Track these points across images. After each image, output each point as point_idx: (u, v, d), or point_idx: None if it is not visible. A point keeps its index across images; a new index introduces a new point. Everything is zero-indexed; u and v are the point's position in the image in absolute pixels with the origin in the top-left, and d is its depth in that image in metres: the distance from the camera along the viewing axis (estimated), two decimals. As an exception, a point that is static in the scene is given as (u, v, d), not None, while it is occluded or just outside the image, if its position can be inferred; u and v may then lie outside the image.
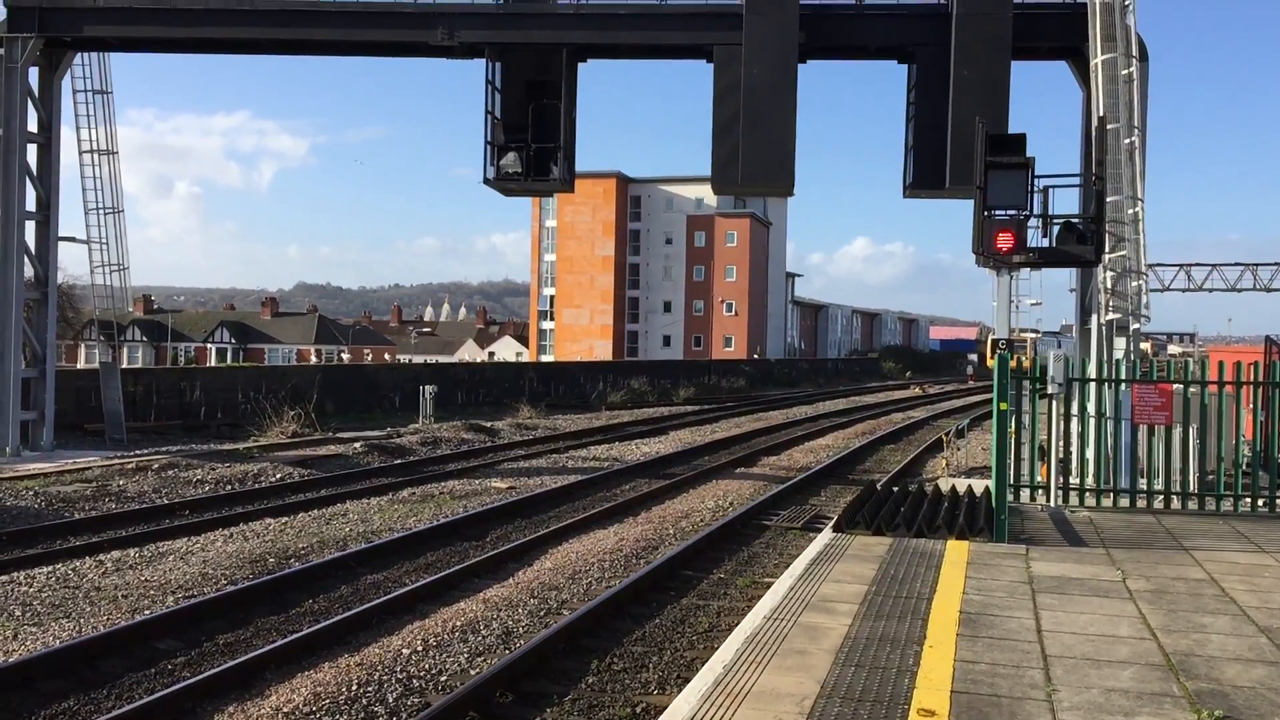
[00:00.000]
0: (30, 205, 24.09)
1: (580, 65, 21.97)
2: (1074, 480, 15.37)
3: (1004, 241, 15.57)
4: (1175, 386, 14.55)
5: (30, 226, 24.18)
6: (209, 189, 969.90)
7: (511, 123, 21.02)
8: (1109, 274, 17.72)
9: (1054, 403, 14.76)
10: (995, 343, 75.74)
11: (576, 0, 21.67)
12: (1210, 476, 14.77)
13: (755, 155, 20.57)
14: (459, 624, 10.70)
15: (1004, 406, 12.88)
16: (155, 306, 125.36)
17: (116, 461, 21.60)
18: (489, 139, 21.00)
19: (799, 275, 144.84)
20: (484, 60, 21.38)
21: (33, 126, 24.00)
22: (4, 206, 23.27)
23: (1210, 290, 59.54)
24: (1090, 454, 15.64)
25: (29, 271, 24.26)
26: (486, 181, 21.21)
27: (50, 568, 13.17)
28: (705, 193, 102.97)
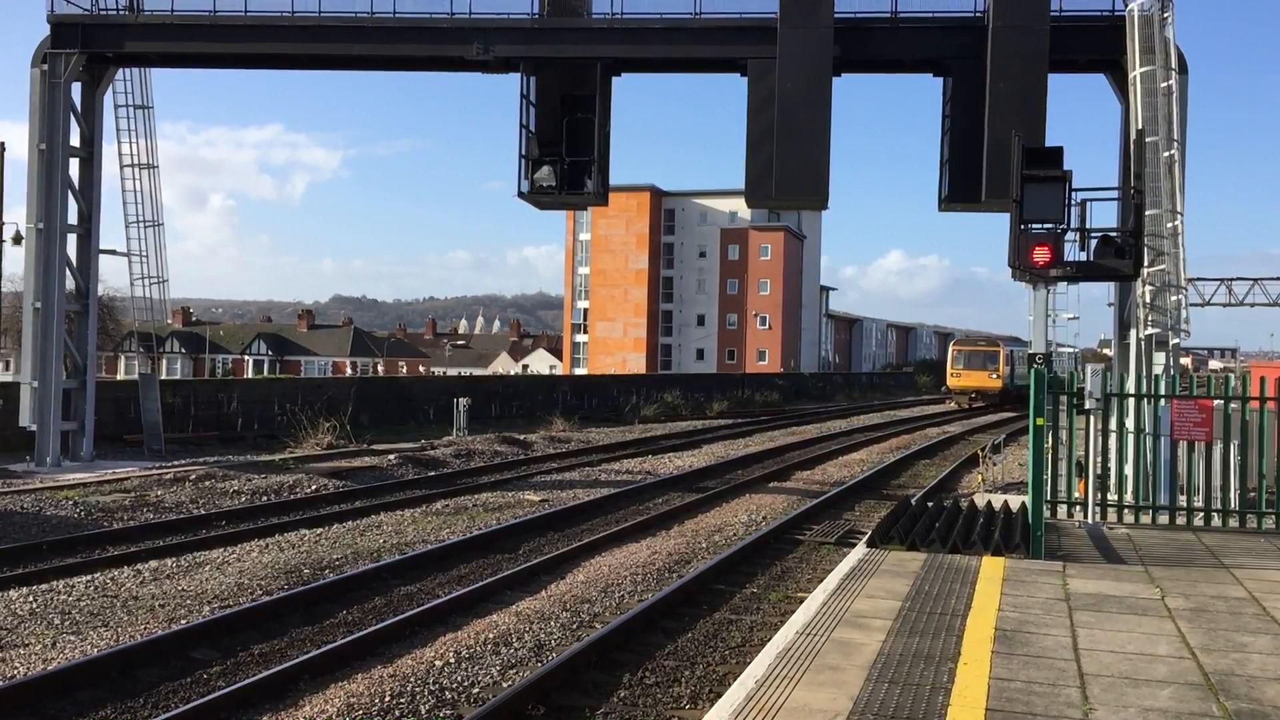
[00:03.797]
0: (72, 218, 24.45)
1: (614, 78, 22.05)
2: (1112, 497, 15.19)
3: (1041, 255, 15.46)
4: (1216, 402, 14.37)
5: (72, 239, 24.55)
6: (242, 202, 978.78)
7: (546, 136, 21.13)
8: (1148, 288, 17.54)
9: (1092, 418, 14.61)
10: (956, 357, 62.61)
11: (610, 14, 21.76)
12: (1251, 494, 14.55)
13: (789, 168, 20.54)
14: (491, 636, 10.72)
15: (1040, 422, 12.77)
16: (193, 319, 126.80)
17: (155, 472, 21.82)
18: (523, 152, 21.11)
19: (833, 289, 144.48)
20: (519, 74, 21.52)
21: (75, 141, 24.36)
22: (47, 220, 23.63)
23: (1252, 305, 58.75)
24: (1129, 470, 15.45)
25: (70, 284, 24.61)
26: (521, 195, 21.32)
27: (89, 577, 13.32)
28: (739, 206, 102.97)
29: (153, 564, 14.14)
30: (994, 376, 59.21)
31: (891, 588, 10.51)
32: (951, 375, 62.21)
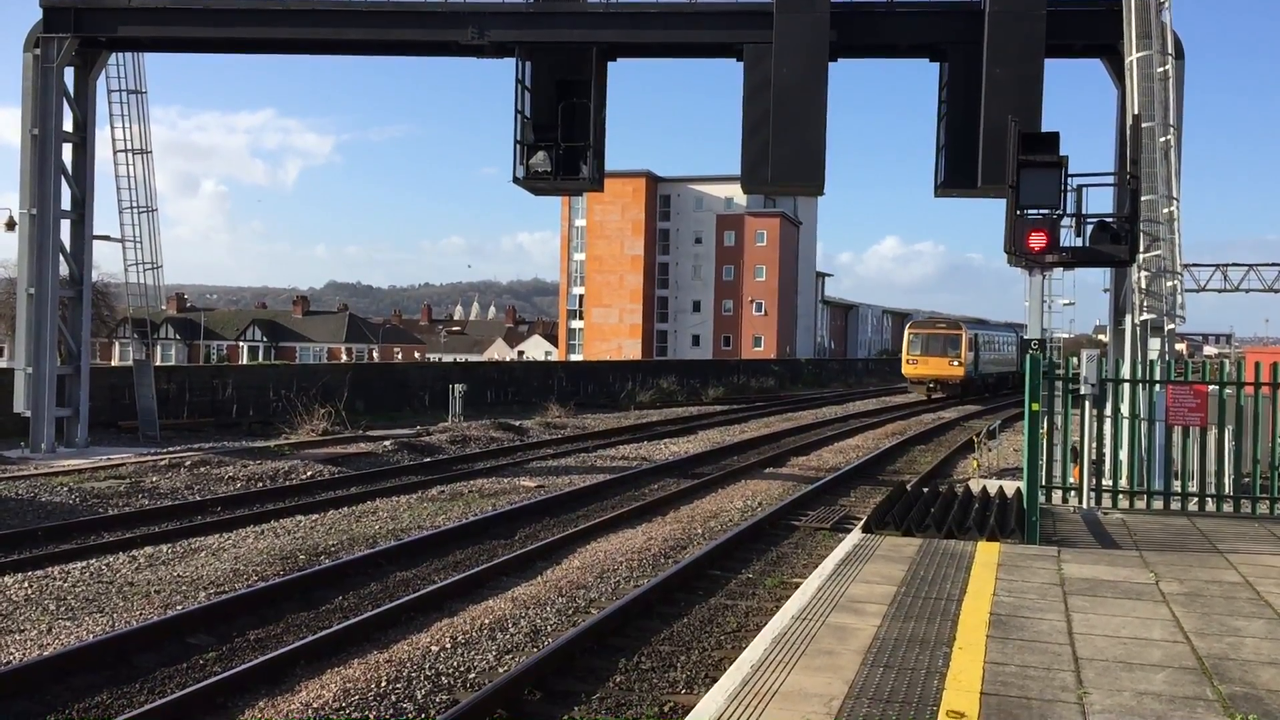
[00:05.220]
0: (65, 204, 24.35)
1: (610, 64, 21.97)
2: (1107, 482, 15.22)
3: (1037, 241, 15.44)
4: (1211, 388, 14.39)
5: (65, 225, 24.46)
6: (235, 187, 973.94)
7: (541, 122, 21.04)
8: (1143, 274, 17.54)
9: (1087, 404, 14.63)
10: (915, 341, 53.89)
11: (606, -1, 21.67)
12: (1246, 479, 14.59)
13: (785, 154, 20.49)
14: (487, 622, 10.73)
15: (1035, 407, 12.77)
16: (188, 305, 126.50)
17: (150, 458, 21.80)
18: (518, 138, 21.03)
19: (829, 275, 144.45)
20: (514, 59, 21.42)
21: (68, 126, 24.24)
22: (40, 205, 23.54)
23: (1247, 291, 58.60)
24: (1124, 455, 15.48)
25: (64, 270, 24.53)
26: (516, 181, 21.24)
27: (84, 563, 13.31)
28: (735, 192, 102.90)
29: (148, 550, 14.13)
30: (955, 364, 52.16)
31: (887, 573, 10.53)
32: (907, 363, 54.16)
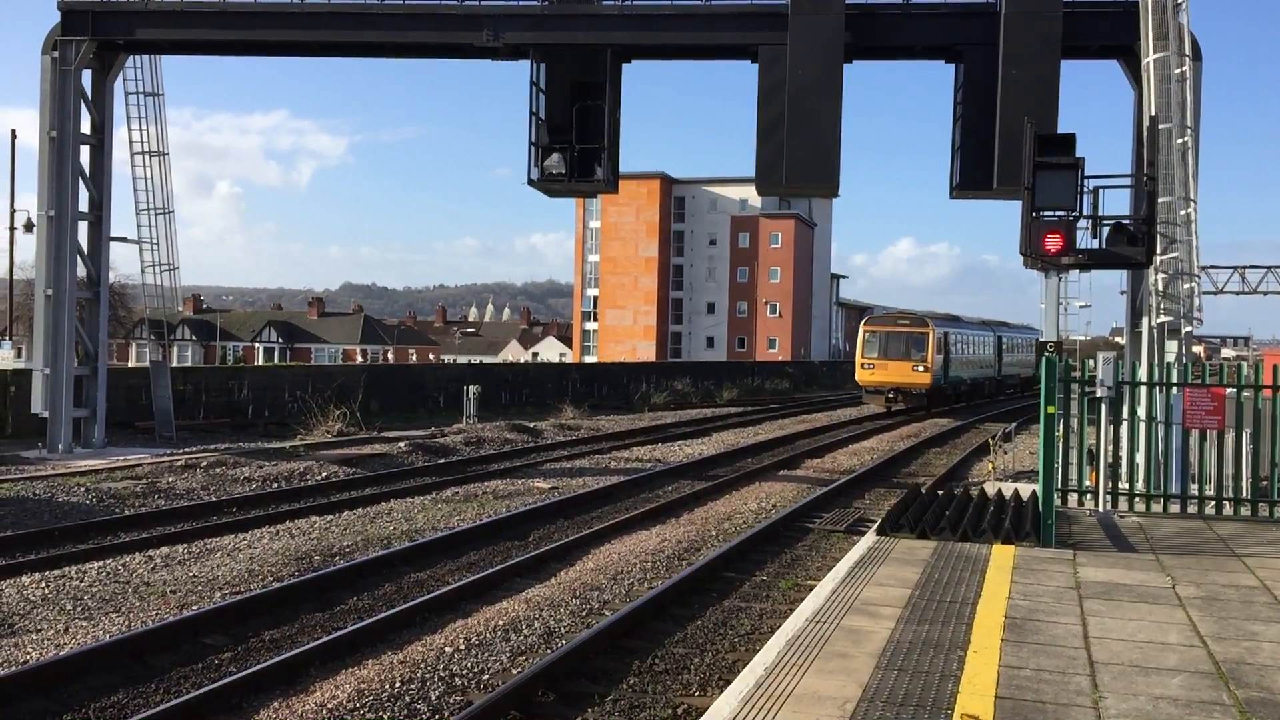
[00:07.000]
0: (83, 206, 24.50)
1: (624, 65, 21.99)
2: (1123, 485, 15.14)
3: (1052, 243, 15.39)
4: (1228, 391, 14.30)
5: (83, 227, 24.60)
6: (248, 188, 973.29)
7: (556, 124, 21.06)
8: (1160, 276, 17.45)
9: (1103, 406, 14.55)
10: (870, 341, 44.57)
11: (621, 1, 21.69)
12: (1264, 482, 14.50)
13: (800, 156, 20.47)
14: (501, 623, 10.73)
15: (1051, 410, 12.72)
16: (204, 306, 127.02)
17: (166, 459, 21.90)
18: (533, 140, 21.06)
19: (844, 276, 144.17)
20: (529, 61, 21.46)
21: (85, 128, 24.38)
22: (58, 207, 23.68)
23: (1265, 293, 58.18)
24: (1140, 458, 15.40)
25: (81, 271, 24.66)
26: (531, 182, 21.28)
27: (101, 563, 13.37)
28: (750, 193, 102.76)
29: (164, 550, 14.19)
30: (920, 369, 42.68)
31: (901, 575, 10.50)
32: (862, 367, 44.06)
